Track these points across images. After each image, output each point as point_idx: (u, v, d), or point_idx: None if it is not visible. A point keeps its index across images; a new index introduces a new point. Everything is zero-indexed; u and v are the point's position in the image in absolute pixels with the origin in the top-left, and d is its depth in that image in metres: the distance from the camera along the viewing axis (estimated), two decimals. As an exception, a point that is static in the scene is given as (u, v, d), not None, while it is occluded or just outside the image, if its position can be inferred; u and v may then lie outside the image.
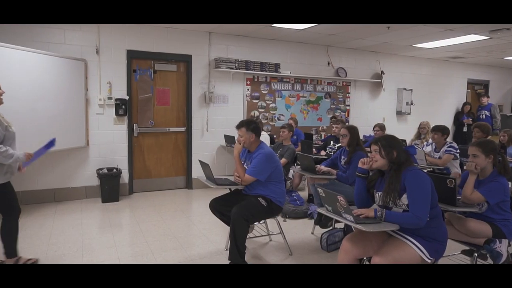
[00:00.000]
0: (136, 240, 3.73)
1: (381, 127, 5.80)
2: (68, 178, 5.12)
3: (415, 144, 5.58)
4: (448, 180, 2.56)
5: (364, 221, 2.22)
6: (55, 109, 4.56)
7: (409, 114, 7.93)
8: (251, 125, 3.14)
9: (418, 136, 5.84)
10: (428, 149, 4.64)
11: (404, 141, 5.32)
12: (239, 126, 3.18)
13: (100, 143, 5.27)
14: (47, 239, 3.67)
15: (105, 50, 5.19)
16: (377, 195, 2.41)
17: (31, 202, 4.87)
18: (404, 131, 7.31)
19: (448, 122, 8.49)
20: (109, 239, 3.73)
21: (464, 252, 2.74)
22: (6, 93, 3.94)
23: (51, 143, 2.95)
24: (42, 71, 4.39)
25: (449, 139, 4.55)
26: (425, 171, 3.29)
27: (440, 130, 4.42)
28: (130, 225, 4.21)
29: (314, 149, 5.46)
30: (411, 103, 7.87)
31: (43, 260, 3.20)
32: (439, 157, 4.39)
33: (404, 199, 2.22)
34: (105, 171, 5.13)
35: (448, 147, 4.35)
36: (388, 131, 5.71)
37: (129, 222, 4.31)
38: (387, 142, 2.35)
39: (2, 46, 3.93)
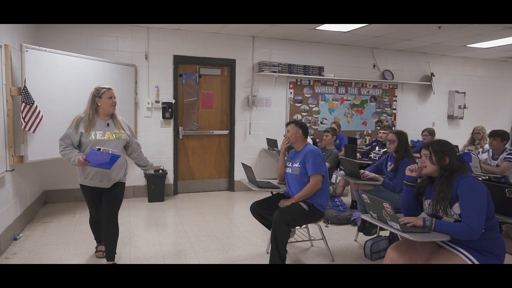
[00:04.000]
0: (179, 239, 3.84)
1: (430, 132, 5.52)
2: (118, 178, 5.38)
3: (468, 150, 5.25)
4: (506, 190, 2.38)
5: (411, 230, 2.12)
6: (108, 112, 4.82)
7: (461, 118, 7.49)
8: (299, 123, 3.28)
9: (472, 141, 5.48)
10: (484, 156, 4.34)
11: (456, 147, 5.02)
12: (288, 124, 3.31)
13: (147, 145, 5.49)
14: (98, 235, 3.88)
15: (154, 56, 5.42)
16: (426, 203, 2.29)
17: (84, 200, 5.16)
18: (456, 137, 6.92)
19: (506, 127, 7.89)
20: (154, 237, 3.88)
21: (524, 268, 2.53)
22: (67, 97, 4.26)
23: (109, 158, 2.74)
24: (97, 76, 4.66)
25: (507, 145, 4.23)
26: (480, 179, 3.09)
27: (499, 135, 4.12)
28: (174, 224, 4.35)
29: (358, 154, 5.31)
30: (464, 107, 7.42)
31: (94, 255, 3.39)
32: (497, 165, 4.10)
33: (456, 208, 2.10)
34: (152, 172, 5.34)
35: (508, 154, 4.03)
36: (438, 136, 5.42)
37: (173, 222, 4.45)
38: (439, 147, 2.23)
39: (63, 54, 4.24)
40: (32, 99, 3.70)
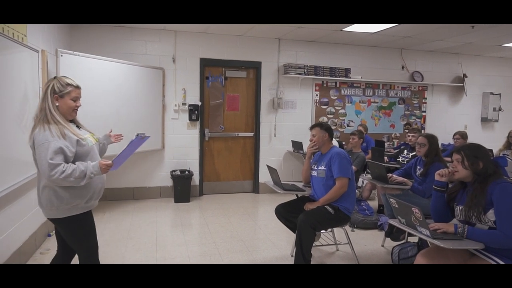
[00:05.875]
0: (204, 240, 3.88)
1: (462, 135, 5.32)
2: (145, 178, 5.52)
3: (504, 154, 5.02)
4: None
5: (442, 237, 2.05)
6: (137, 114, 4.96)
7: (496, 121, 7.17)
8: (324, 126, 3.22)
9: (508, 146, 5.24)
10: (521, 160, 4.13)
11: (491, 151, 4.82)
12: (312, 127, 3.26)
13: (174, 146, 5.60)
14: (126, 233, 3.99)
15: (181, 59, 5.52)
16: (458, 208, 2.21)
17: (114, 199, 5.34)
18: (491, 140, 6.62)
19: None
20: (180, 237, 3.94)
21: None
22: (98, 99, 4.41)
23: (138, 141, 2.15)
24: (127, 79, 4.81)
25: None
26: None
27: None
28: (200, 225, 4.40)
29: (386, 157, 5.19)
30: (499, 109, 7.11)
31: (122, 253, 3.48)
32: (535, 170, 3.89)
33: (491, 215, 2.01)
34: (178, 173, 5.43)
35: (546, 158, 3.83)
36: (470, 140, 5.22)
37: (198, 223, 4.51)
38: (471, 152, 2.14)
39: (95, 58, 4.39)
40: (66, 101, 3.84)
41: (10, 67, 2.86)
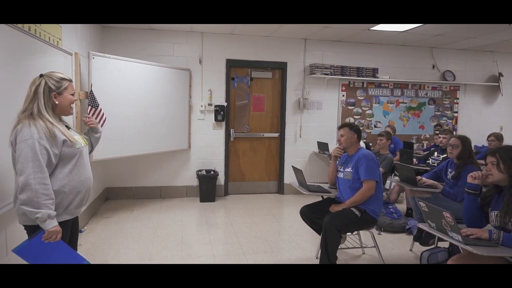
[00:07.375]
0: (229, 239, 3.91)
1: (497, 137, 5.08)
2: (172, 178, 5.63)
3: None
4: None
5: (475, 243, 1.97)
6: (164, 115, 5.07)
7: (534, 122, 6.82)
8: (354, 127, 3.17)
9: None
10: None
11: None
12: (341, 126, 3.21)
13: (200, 146, 5.67)
14: (153, 231, 4.08)
15: (207, 60, 5.59)
16: (493, 214, 2.11)
17: (142, 197, 5.48)
18: (528, 142, 6.31)
19: None
20: (205, 236, 3.98)
21: None
22: (127, 100, 4.53)
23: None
24: (155, 80, 4.92)
25: None
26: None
27: None
28: (225, 225, 4.43)
29: (415, 159, 5.05)
30: (538, 110, 6.75)
31: (149, 250, 3.56)
32: None
33: (529, 221, 1.91)
34: (204, 172, 5.50)
35: None
36: (506, 142, 4.98)
37: (223, 222, 4.54)
38: (507, 154, 2.05)
39: (125, 60, 4.52)
40: (97, 102, 3.98)
41: (45, 70, 2.98)
